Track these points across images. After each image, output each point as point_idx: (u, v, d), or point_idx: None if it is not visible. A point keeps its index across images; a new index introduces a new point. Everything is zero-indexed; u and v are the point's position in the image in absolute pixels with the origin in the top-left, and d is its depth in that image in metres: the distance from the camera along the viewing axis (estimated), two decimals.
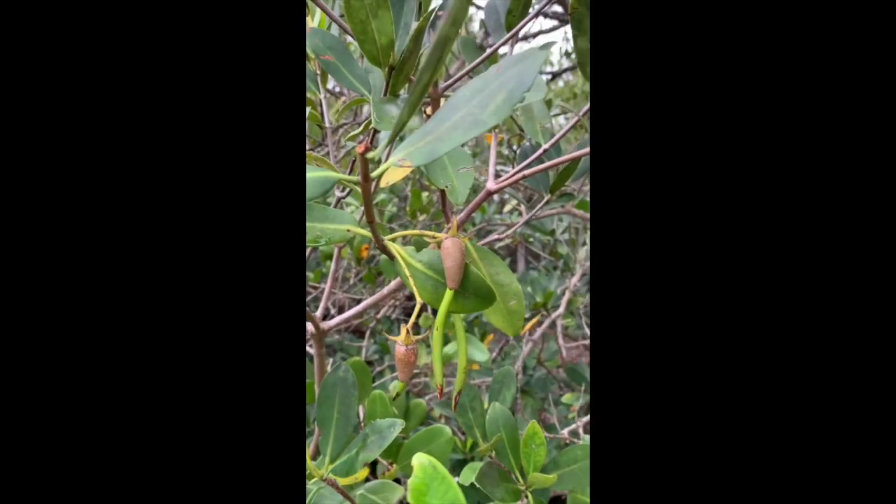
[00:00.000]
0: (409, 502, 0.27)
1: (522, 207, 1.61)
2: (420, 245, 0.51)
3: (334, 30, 0.66)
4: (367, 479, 0.78)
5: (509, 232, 0.88)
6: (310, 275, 1.61)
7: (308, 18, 0.67)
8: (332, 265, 0.83)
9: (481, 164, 1.67)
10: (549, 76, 2.28)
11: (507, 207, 1.92)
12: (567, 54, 2.13)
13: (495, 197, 2.03)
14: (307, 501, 0.60)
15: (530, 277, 1.78)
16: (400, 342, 0.43)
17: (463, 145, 0.35)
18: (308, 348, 1.08)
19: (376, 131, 0.57)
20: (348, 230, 0.43)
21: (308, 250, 1.23)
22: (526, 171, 0.58)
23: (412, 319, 0.43)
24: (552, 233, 1.78)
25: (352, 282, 1.80)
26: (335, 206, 0.83)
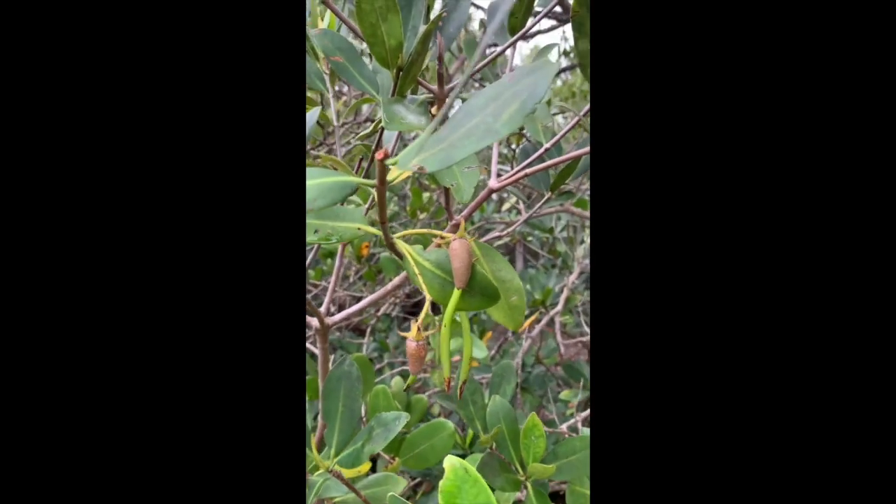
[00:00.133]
0: None
1: (521, 206, 1.62)
2: (423, 244, 0.52)
3: (343, 32, 0.67)
4: (368, 474, 0.79)
5: (510, 230, 0.90)
6: (310, 272, 1.62)
7: (318, 20, 0.68)
8: (336, 262, 0.84)
9: (481, 163, 1.69)
10: None
11: (506, 206, 1.94)
12: (566, 53, 2.14)
13: (493, 196, 2.04)
14: (313, 492, 0.61)
15: (529, 275, 1.79)
16: (411, 338, 0.45)
17: None
18: (309, 345, 1.09)
19: (382, 131, 0.59)
20: (359, 228, 0.45)
21: (308, 248, 1.24)
22: (528, 170, 0.60)
23: (421, 316, 0.44)
24: (551, 231, 1.79)
25: (351, 280, 1.82)
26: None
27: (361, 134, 0.60)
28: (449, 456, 0.28)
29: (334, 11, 0.53)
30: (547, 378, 1.67)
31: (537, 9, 0.76)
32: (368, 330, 1.71)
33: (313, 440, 0.69)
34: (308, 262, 0.83)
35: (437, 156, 0.30)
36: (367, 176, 0.67)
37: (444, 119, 0.33)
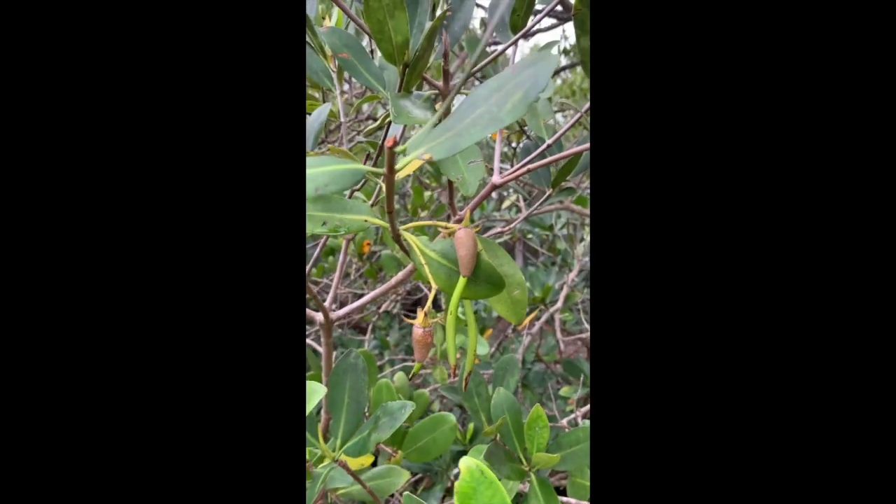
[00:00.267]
0: None
1: (522, 203, 1.63)
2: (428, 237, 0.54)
3: (350, 30, 0.68)
4: (371, 466, 0.80)
5: (510, 227, 0.91)
6: (311, 270, 1.63)
7: (326, 18, 0.70)
8: (340, 258, 0.85)
9: (482, 160, 1.69)
10: None
11: (506, 203, 1.95)
12: (566, 52, 2.15)
13: (494, 193, 2.05)
14: (319, 482, 0.62)
15: (529, 273, 1.80)
16: (417, 324, 0.46)
17: None
18: (311, 341, 1.10)
19: (388, 126, 0.60)
20: (365, 220, 0.46)
21: (309, 246, 1.25)
22: (531, 166, 0.61)
23: (427, 304, 0.46)
24: (550, 228, 1.80)
25: (352, 277, 1.83)
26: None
27: (368, 129, 0.61)
28: (465, 458, 0.29)
29: (342, 8, 0.54)
30: (547, 375, 1.69)
31: (538, 7, 0.77)
32: (369, 327, 1.73)
33: (319, 430, 0.70)
34: (312, 260, 0.84)
35: (444, 144, 0.31)
36: None
37: (448, 111, 0.34)
